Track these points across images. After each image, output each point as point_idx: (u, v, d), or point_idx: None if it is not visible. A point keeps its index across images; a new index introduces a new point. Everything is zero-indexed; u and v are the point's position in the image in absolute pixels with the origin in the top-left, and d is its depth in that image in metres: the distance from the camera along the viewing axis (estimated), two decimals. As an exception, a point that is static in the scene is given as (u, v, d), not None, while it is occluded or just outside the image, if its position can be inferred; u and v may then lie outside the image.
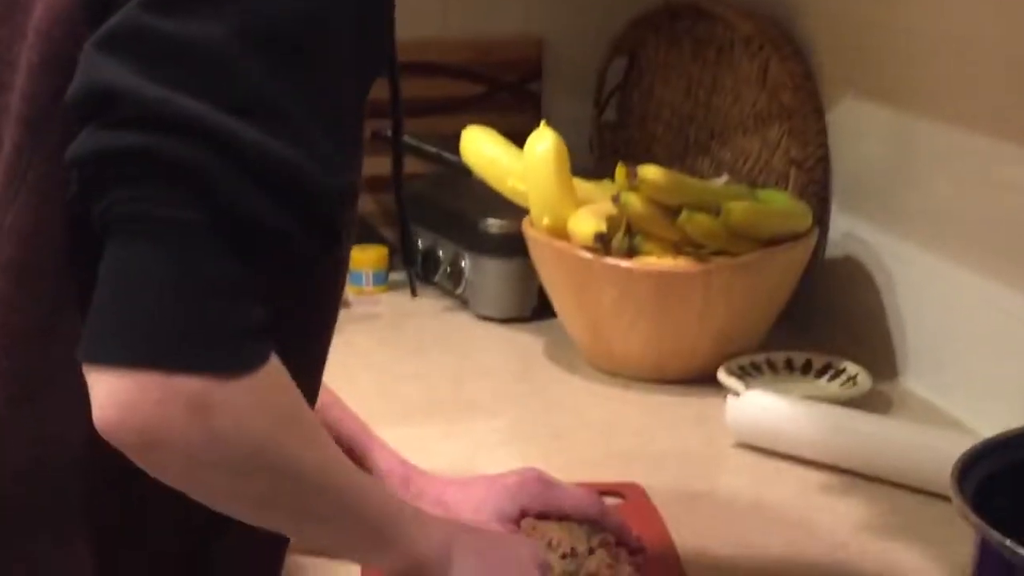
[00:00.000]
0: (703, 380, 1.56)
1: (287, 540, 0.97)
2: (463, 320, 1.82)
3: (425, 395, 1.58)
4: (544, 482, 1.14)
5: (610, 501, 1.28)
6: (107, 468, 0.83)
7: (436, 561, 0.93)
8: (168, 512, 0.88)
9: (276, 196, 0.81)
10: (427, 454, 1.29)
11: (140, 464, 0.81)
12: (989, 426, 1.42)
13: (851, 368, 1.56)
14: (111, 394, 0.79)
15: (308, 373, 0.93)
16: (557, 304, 1.67)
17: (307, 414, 0.86)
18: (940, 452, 1.30)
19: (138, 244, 0.80)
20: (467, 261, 1.83)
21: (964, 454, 0.86)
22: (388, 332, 1.79)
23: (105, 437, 0.80)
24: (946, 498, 1.27)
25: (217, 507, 0.84)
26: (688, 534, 1.22)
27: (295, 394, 0.85)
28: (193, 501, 0.85)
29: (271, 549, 0.96)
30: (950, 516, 1.25)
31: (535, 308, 1.82)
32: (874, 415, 1.39)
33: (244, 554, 0.93)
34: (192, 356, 0.79)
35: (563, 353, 1.68)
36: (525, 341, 1.74)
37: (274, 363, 0.83)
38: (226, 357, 0.80)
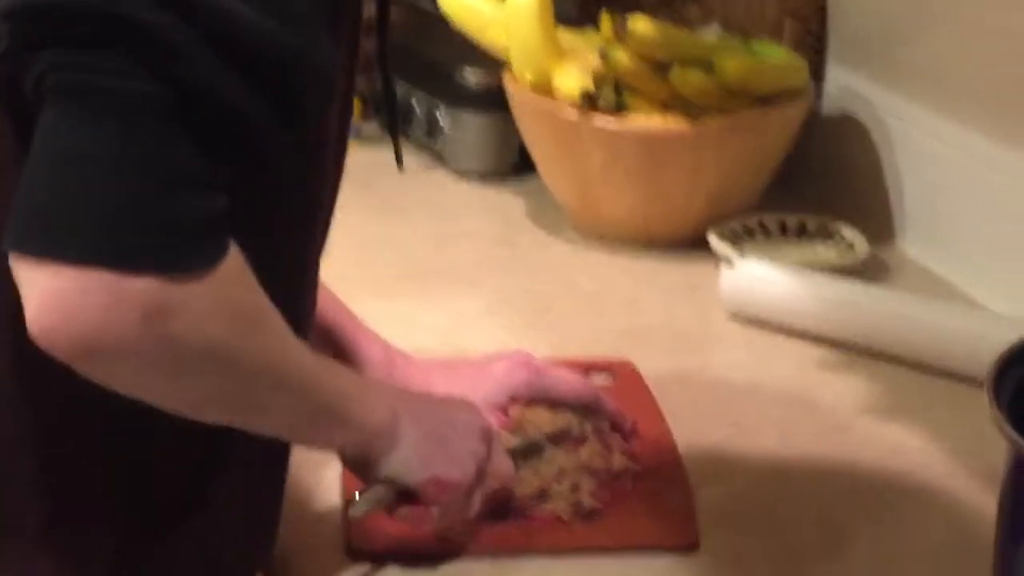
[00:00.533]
0: (694, 244, 1.49)
1: (285, 478, 0.91)
2: (440, 178, 1.74)
3: (402, 262, 1.51)
4: (534, 368, 1.08)
5: (600, 380, 1.23)
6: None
7: (386, 431, 0.89)
8: (163, 450, 0.82)
9: (245, 72, 0.72)
10: (406, 328, 1.22)
11: (77, 369, 0.72)
12: (990, 293, 1.37)
13: (847, 233, 1.49)
14: (47, 296, 0.68)
15: (295, 292, 0.86)
16: (540, 163, 1.59)
17: (269, 314, 0.78)
18: (946, 328, 1.25)
19: (82, 116, 0.69)
20: (443, 114, 1.74)
21: (999, 358, 0.79)
22: (360, 191, 1.70)
23: (39, 343, 0.70)
24: (950, 375, 1.23)
25: (156, 405, 0.77)
26: (682, 415, 1.16)
27: (256, 293, 0.77)
28: (192, 440, 0.79)
29: (271, 487, 0.90)
30: (953, 395, 1.21)
31: (515, 164, 1.74)
32: (875, 287, 1.33)
33: (243, 493, 0.87)
34: (144, 252, 0.69)
35: (546, 214, 1.61)
36: (505, 200, 1.66)
37: (234, 258, 0.74)
38: (183, 253, 0.71)
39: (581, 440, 1.06)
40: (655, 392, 1.20)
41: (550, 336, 1.32)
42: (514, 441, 1.03)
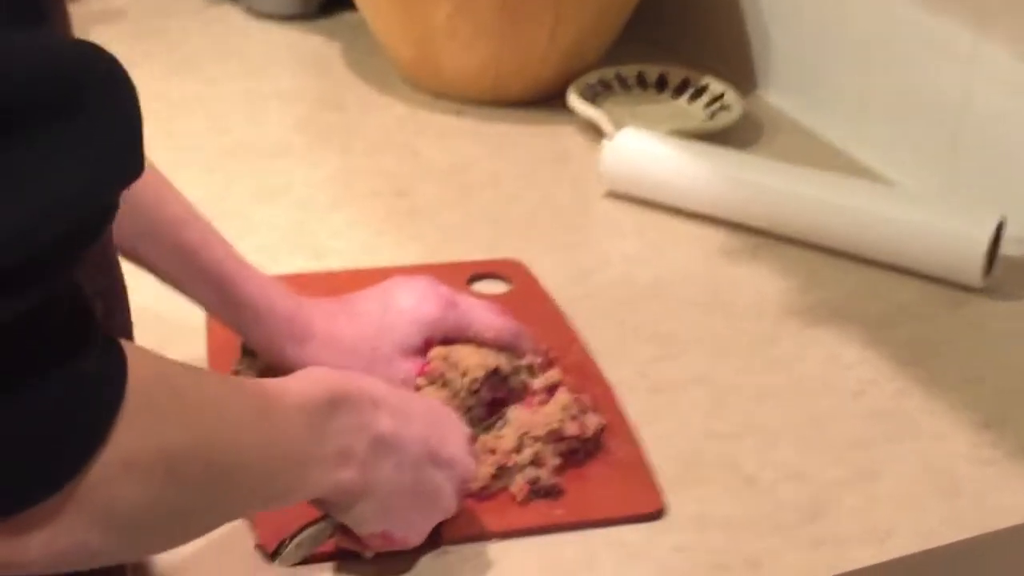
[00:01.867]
0: (547, 104, 1.33)
1: None
2: (235, 20, 1.50)
3: (212, 134, 1.29)
4: (444, 299, 0.91)
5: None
6: None
7: (350, 490, 0.72)
8: None
9: None
10: (241, 229, 1.03)
11: None
12: (871, 152, 1.27)
13: (714, 86, 1.35)
14: None
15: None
16: (368, 11, 1.38)
17: (187, 457, 0.59)
18: (856, 207, 1.13)
19: None
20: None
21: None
22: (141, 39, 1.46)
23: None
24: (865, 261, 1.13)
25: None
26: (591, 330, 1.02)
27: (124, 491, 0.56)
28: None
29: None
30: (872, 284, 1.11)
31: (321, 1, 1.52)
32: (775, 163, 1.20)
33: None
34: None
35: (370, 64, 1.41)
36: (318, 49, 1.45)
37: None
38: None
39: (525, 391, 0.91)
40: (553, 297, 1.05)
41: (413, 229, 1.14)
42: (450, 396, 0.87)
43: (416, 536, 0.77)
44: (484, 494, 0.84)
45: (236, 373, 0.90)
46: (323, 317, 0.88)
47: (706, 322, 1.05)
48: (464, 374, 0.88)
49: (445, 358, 0.89)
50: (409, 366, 0.89)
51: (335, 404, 0.69)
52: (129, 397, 0.54)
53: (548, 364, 0.94)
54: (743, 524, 0.85)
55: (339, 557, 0.79)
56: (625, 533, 0.83)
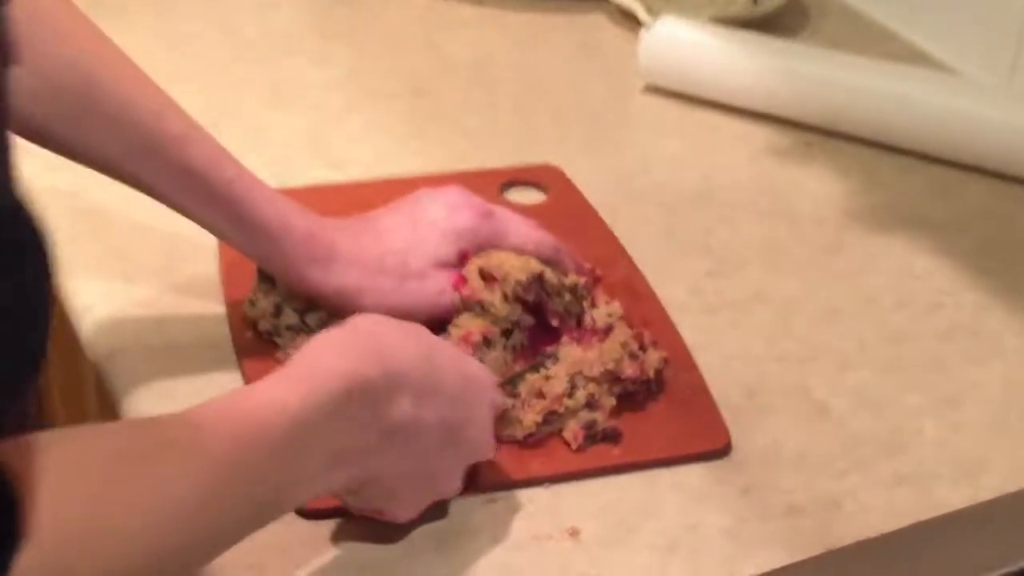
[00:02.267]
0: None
1: None
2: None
3: (216, 34, 1.19)
4: (480, 211, 0.82)
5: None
6: None
7: (347, 486, 0.65)
8: None
9: None
10: (249, 139, 0.95)
11: None
12: (929, 38, 1.17)
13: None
14: None
15: None
16: None
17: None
18: (919, 100, 1.04)
19: None
20: None
21: None
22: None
23: None
24: (929, 159, 1.04)
25: None
26: (637, 243, 0.93)
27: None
28: None
29: None
30: (939, 184, 1.02)
31: None
32: (828, 52, 1.10)
33: None
34: None
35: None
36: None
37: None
38: None
39: (569, 318, 0.82)
40: (595, 206, 0.96)
41: (436, 133, 1.05)
42: (488, 324, 0.79)
43: (409, 514, 0.70)
44: (531, 441, 0.76)
45: (252, 303, 0.82)
46: (347, 236, 0.79)
47: (761, 231, 0.96)
48: (504, 278, 0.79)
49: (482, 268, 0.80)
50: (444, 277, 0.80)
51: (351, 396, 0.61)
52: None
53: (594, 281, 0.86)
54: (817, 460, 0.77)
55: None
56: (689, 473, 0.76)
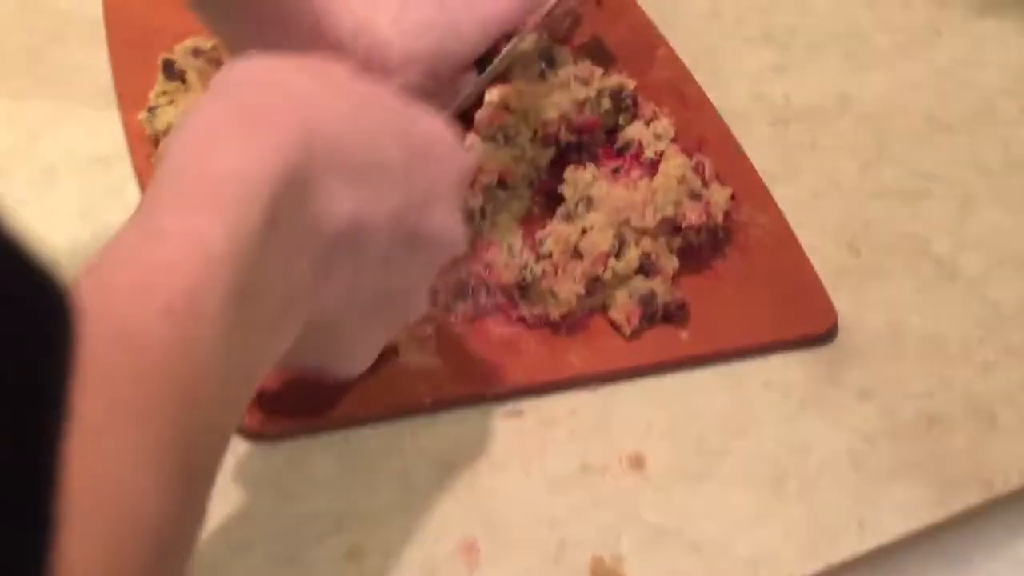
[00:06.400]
0: None
1: None
2: None
3: None
4: None
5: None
6: None
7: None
8: None
9: None
10: None
11: None
12: None
13: None
14: None
15: None
16: None
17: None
18: None
19: None
20: None
21: None
22: None
23: None
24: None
25: None
26: (673, 24, 0.69)
27: None
28: None
29: None
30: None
31: None
32: None
33: None
34: None
35: None
36: None
37: None
38: None
39: (601, 136, 0.59)
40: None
41: None
42: (514, 159, 0.56)
43: (363, 363, 0.48)
44: (568, 323, 0.54)
45: (151, 114, 0.57)
46: (354, 22, 0.53)
47: (836, 6, 0.73)
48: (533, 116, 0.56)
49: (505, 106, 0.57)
50: (471, 77, 0.57)
51: (277, 208, 0.38)
52: None
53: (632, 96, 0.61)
54: (954, 344, 0.56)
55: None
56: (785, 368, 0.55)
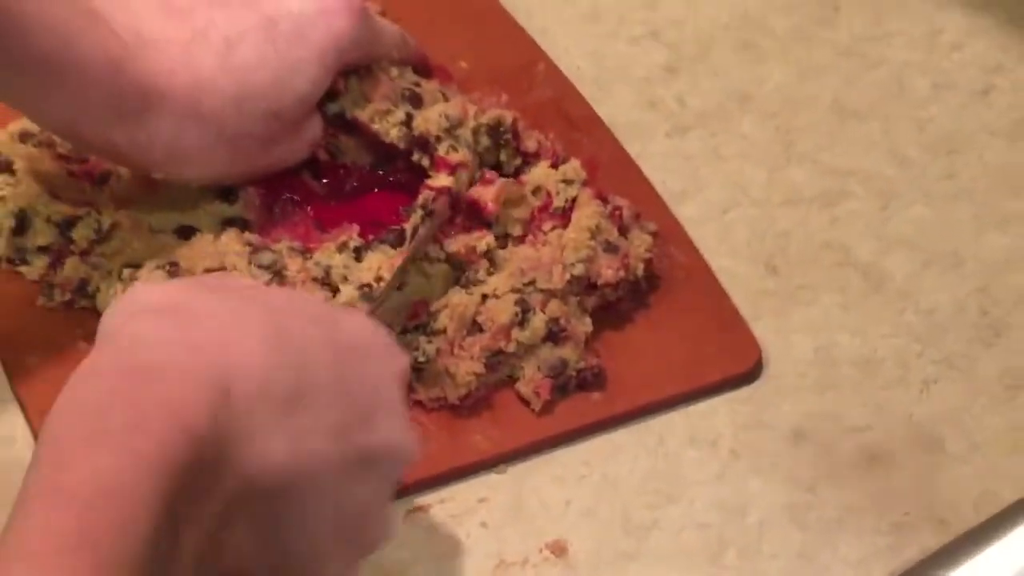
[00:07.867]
0: None
1: None
2: None
3: None
4: (354, 8, 0.52)
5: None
6: None
7: None
8: None
9: None
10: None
11: None
12: None
13: None
14: None
15: None
16: None
17: None
18: None
19: None
20: None
21: None
22: None
23: None
24: None
25: None
26: (542, 17, 0.64)
27: None
28: None
29: None
30: None
31: None
32: None
33: None
34: None
35: None
36: None
37: None
38: None
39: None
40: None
41: None
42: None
43: None
44: (470, 402, 0.49)
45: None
46: (170, 58, 0.48)
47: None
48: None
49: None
50: (317, 122, 0.53)
51: (172, 506, 0.33)
52: None
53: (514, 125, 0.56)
54: (892, 365, 0.52)
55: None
56: (711, 415, 0.50)
